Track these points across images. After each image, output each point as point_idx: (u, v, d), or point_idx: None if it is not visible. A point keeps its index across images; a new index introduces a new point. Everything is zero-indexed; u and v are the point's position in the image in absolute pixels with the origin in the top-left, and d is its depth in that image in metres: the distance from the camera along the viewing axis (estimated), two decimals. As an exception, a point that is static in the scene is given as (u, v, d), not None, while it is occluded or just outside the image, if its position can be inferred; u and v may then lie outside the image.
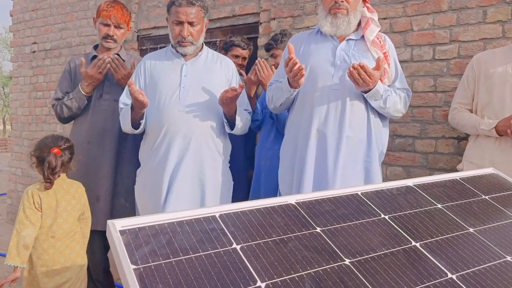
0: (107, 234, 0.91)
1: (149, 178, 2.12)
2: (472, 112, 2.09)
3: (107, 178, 2.39)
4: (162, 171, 2.06)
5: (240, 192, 2.62)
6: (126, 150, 2.45)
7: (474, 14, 2.39)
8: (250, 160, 3.03)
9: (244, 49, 2.85)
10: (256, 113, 2.45)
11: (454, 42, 2.45)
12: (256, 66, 2.30)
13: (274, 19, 3.10)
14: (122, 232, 0.89)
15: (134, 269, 0.81)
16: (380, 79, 1.83)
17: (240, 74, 2.44)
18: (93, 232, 2.42)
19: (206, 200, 2.08)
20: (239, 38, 2.85)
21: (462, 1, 2.42)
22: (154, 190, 2.08)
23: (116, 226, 0.90)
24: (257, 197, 2.44)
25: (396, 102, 1.88)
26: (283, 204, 1.08)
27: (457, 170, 2.22)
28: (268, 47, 2.61)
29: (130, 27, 2.57)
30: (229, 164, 2.23)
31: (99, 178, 2.40)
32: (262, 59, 2.34)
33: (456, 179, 1.41)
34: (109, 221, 0.90)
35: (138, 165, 2.25)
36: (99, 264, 2.48)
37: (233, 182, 2.24)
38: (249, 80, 2.33)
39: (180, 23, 2.09)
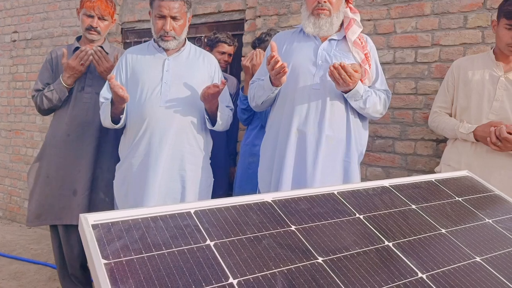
0: (79, 228, 0.90)
1: (128, 173, 2.10)
2: (451, 116, 2.13)
3: (86, 171, 2.36)
4: (142, 166, 2.05)
5: (220, 189, 2.61)
6: (107, 144, 2.42)
7: (456, 19, 2.43)
8: (232, 157, 3.03)
9: (230, 45, 2.85)
10: (244, 103, 2.45)
11: (436, 46, 2.49)
12: (253, 52, 2.40)
13: (259, 16, 3.10)
14: (95, 227, 0.88)
15: (105, 264, 0.80)
16: (360, 80, 1.84)
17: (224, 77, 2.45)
18: (70, 227, 2.39)
19: (186, 195, 2.07)
20: (224, 35, 2.84)
21: (444, 6, 2.46)
22: (134, 185, 2.07)
23: (89, 220, 0.88)
24: (242, 194, 2.43)
25: (376, 103, 1.90)
26: (259, 202, 1.09)
27: (435, 172, 2.25)
28: (253, 46, 2.62)
29: (115, 20, 2.53)
30: (210, 161, 2.22)
31: (77, 172, 2.36)
32: (260, 50, 2.43)
33: (431, 180, 1.44)
34: (81, 215, 0.89)
35: (119, 159, 2.22)
36: (76, 259, 2.46)
37: (213, 179, 2.24)
38: (243, 66, 2.42)
39: (163, 17, 2.08)
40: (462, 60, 2.15)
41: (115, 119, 2.08)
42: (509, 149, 1.84)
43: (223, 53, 2.83)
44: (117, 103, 1.99)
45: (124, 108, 2.06)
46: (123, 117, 2.08)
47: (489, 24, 2.34)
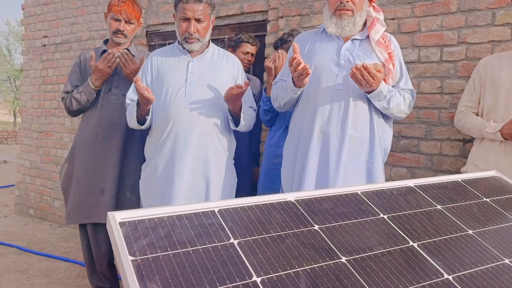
0: (107, 226, 0.92)
1: (154, 173, 2.14)
2: (478, 116, 2.08)
3: (113, 171, 2.42)
4: (167, 166, 2.08)
5: (244, 190, 2.63)
6: (134, 144, 2.48)
7: (483, 16, 2.37)
8: (255, 158, 3.04)
9: (253, 45, 2.88)
10: (266, 104, 2.46)
11: (462, 44, 2.44)
12: (276, 53, 2.41)
13: (282, 17, 3.10)
14: (122, 224, 0.91)
15: (132, 261, 0.83)
16: (384, 80, 1.82)
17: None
18: (98, 225, 2.45)
19: (210, 196, 2.10)
20: (246, 35, 2.87)
21: (471, 2, 2.41)
22: (159, 185, 2.11)
23: (116, 218, 0.91)
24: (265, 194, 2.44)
25: (400, 103, 1.88)
26: (282, 201, 1.09)
27: (461, 173, 2.21)
28: (275, 46, 2.64)
29: (141, 23, 2.59)
30: (233, 161, 2.24)
31: (105, 172, 2.42)
32: (283, 51, 2.44)
33: (458, 180, 1.41)
34: (109, 213, 0.92)
35: (145, 159, 2.27)
36: (104, 257, 2.52)
37: (237, 179, 2.26)
38: (266, 67, 2.44)
39: (187, 19, 2.11)
40: (489, 58, 2.10)
41: (141, 120, 2.12)
42: None
43: (247, 53, 2.85)
44: (143, 104, 2.04)
45: (149, 109, 2.10)
46: (148, 118, 2.12)
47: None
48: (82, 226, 2.53)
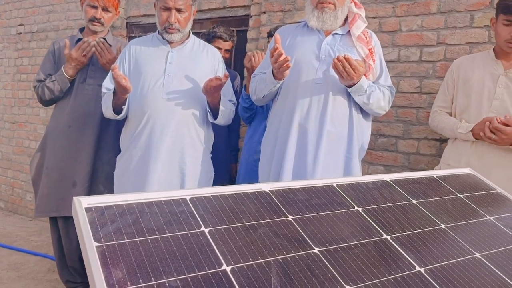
0: (72, 212, 0.89)
1: (128, 165, 2.09)
2: (451, 116, 2.11)
3: (86, 163, 2.35)
4: (143, 158, 2.04)
5: (222, 185, 2.59)
6: (108, 136, 2.42)
7: (462, 17, 2.40)
8: (233, 153, 3.01)
9: (226, 41, 2.78)
10: (246, 101, 2.44)
11: (441, 44, 2.46)
12: (252, 53, 2.39)
13: (264, 12, 3.08)
14: (88, 210, 0.87)
15: (97, 247, 0.79)
16: (364, 75, 1.82)
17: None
18: (69, 219, 2.38)
19: (185, 188, 2.06)
20: (222, 29, 2.78)
21: (451, 4, 2.43)
22: (134, 177, 2.06)
23: (82, 203, 0.87)
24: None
25: (379, 99, 1.88)
26: (256, 191, 1.07)
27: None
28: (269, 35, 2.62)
29: (119, 12, 2.53)
30: (211, 155, 2.21)
31: (78, 163, 2.36)
32: (258, 51, 2.42)
33: (433, 176, 1.42)
34: (75, 198, 0.88)
35: (119, 151, 2.22)
36: (75, 252, 2.45)
37: (214, 173, 2.23)
38: (245, 66, 2.41)
39: (168, 9, 2.07)
40: (462, 59, 2.13)
41: (117, 110, 2.07)
42: (505, 141, 1.81)
43: (219, 48, 2.77)
44: (120, 93, 1.99)
45: (126, 99, 2.05)
46: (125, 107, 2.07)
47: (495, 23, 2.31)
48: (53, 220, 2.46)
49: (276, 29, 2.53)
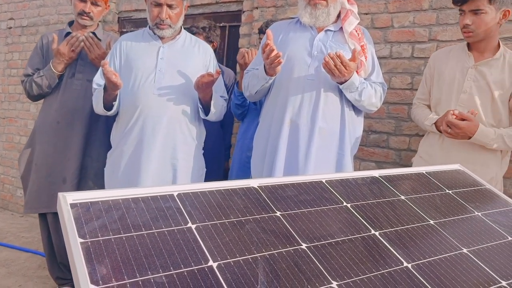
0: (57, 208, 0.87)
1: (119, 161, 2.08)
2: (430, 108, 2.12)
3: (75, 159, 2.33)
4: (134, 154, 2.03)
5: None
6: (97, 132, 2.40)
7: (453, 14, 2.40)
8: (227, 151, 3.00)
9: (201, 34, 2.68)
10: (238, 98, 2.43)
11: (433, 41, 2.47)
12: (245, 50, 2.38)
13: (257, 8, 3.07)
14: (73, 206, 0.86)
15: (81, 243, 0.78)
16: (356, 71, 1.82)
17: None
18: (58, 215, 2.36)
19: (177, 184, 2.05)
20: (201, 26, 2.69)
21: (443, 1, 2.44)
22: (125, 173, 2.05)
23: (67, 199, 0.86)
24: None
25: (371, 96, 1.88)
26: (245, 187, 1.07)
27: (411, 163, 2.25)
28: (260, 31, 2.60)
29: (108, 6, 2.50)
30: (202, 151, 2.20)
31: (67, 160, 2.34)
32: (252, 48, 2.41)
33: (422, 172, 1.42)
34: (59, 194, 0.87)
35: (109, 147, 2.20)
36: (65, 248, 2.42)
37: (206, 170, 2.22)
38: (238, 62, 2.40)
39: (159, 5, 2.05)
40: (439, 51, 2.13)
41: (108, 106, 2.05)
42: (460, 135, 1.82)
43: None
44: (110, 89, 1.97)
45: (117, 95, 2.04)
46: (115, 104, 2.05)
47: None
48: (43, 216, 2.44)
49: (266, 24, 2.52)
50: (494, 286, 0.96)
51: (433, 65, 2.08)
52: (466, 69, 1.93)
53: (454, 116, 1.81)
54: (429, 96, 2.11)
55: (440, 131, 1.92)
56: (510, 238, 1.18)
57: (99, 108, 2.06)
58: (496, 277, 1.00)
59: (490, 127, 1.86)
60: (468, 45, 1.98)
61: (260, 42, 2.40)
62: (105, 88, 2.00)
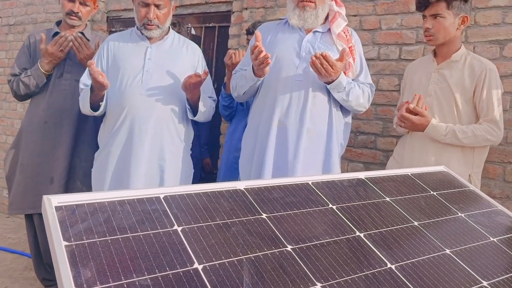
0: (42, 211, 0.87)
1: (107, 162, 2.06)
2: None
3: (63, 160, 2.32)
4: (122, 154, 2.02)
5: (194, 180, 2.59)
6: (86, 132, 2.38)
7: (440, 17, 2.43)
8: (205, 148, 3.01)
9: None
10: (225, 99, 2.43)
11: (420, 43, 2.49)
12: (233, 51, 2.38)
13: (246, 9, 3.07)
14: (58, 208, 0.86)
15: (66, 246, 0.78)
16: (344, 72, 1.84)
17: None
18: (46, 215, 2.35)
19: (164, 185, 2.05)
20: (177, 28, 2.70)
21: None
22: (112, 174, 2.04)
23: (52, 202, 0.86)
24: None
25: (358, 96, 1.90)
26: (231, 189, 1.07)
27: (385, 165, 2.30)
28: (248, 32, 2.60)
29: (97, 6, 2.49)
30: (190, 152, 2.20)
31: (55, 160, 2.32)
32: (240, 49, 2.40)
33: (407, 174, 1.44)
34: (44, 196, 0.86)
35: (97, 148, 2.19)
36: (52, 248, 2.41)
37: (193, 170, 2.22)
38: (225, 63, 2.40)
39: (147, 5, 2.04)
40: (412, 63, 2.22)
41: (95, 106, 2.04)
42: (412, 128, 1.91)
43: None
44: (97, 89, 1.96)
45: (104, 95, 2.03)
46: (102, 104, 2.04)
47: (472, 23, 2.35)
48: (29, 217, 2.42)
49: (254, 25, 2.53)
50: (475, 286, 0.98)
51: (405, 76, 2.18)
52: (429, 73, 2.01)
53: (408, 110, 1.89)
54: None
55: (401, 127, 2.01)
56: (491, 239, 1.20)
57: (85, 109, 2.05)
58: (478, 278, 1.02)
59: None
60: (434, 52, 2.06)
61: (248, 43, 2.41)
62: (92, 89, 1.99)
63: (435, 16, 1.92)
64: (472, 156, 1.95)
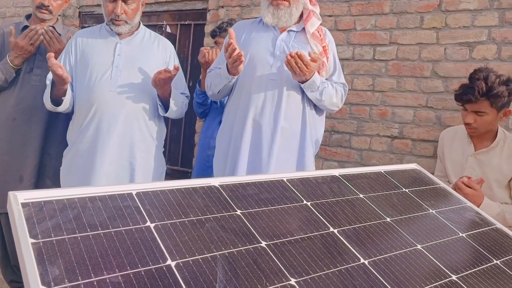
0: (7, 208, 0.84)
1: (76, 160, 2.02)
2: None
3: (33, 158, 2.25)
4: (89, 152, 1.97)
5: None
6: (56, 129, 2.32)
7: (413, 19, 2.49)
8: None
9: None
10: (200, 97, 2.41)
11: (393, 44, 2.55)
12: (206, 48, 2.36)
13: (222, 7, 3.06)
14: (25, 205, 0.83)
15: (33, 243, 0.75)
16: (318, 72, 1.85)
17: None
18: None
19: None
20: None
21: (403, 5, 2.52)
22: (81, 172, 1.99)
23: (18, 198, 0.83)
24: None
25: (332, 95, 1.92)
26: (206, 186, 1.06)
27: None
28: (213, 34, 2.59)
29: (69, 0, 2.42)
30: (163, 149, 2.17)
31: (24, 158, 2.25)
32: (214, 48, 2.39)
33: (381, 172, 1.46)
34: (10, 193, 0.83)
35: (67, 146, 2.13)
36: (20, 249, 2.33)
37: (166, 168, 2.19)
38: (200, 61, 2.38)
39: (114, 0, 2.01)
40: (446, 131, 2.19)
41: (58, 101, 1.99)
42: (463, 195, 1.76)
43: None
44: (58, 83, 1.91)
45: (66, 89, 1.97)
46: (64, 99, 1.99)
47: (443, 25, 2.41)
48: (-5, 216, 2.33)
49: (229, 24, 2.52)
50: (444, 280, 1.00)
51: (441, 145, 2.15)
52: (466, 156, 1.99)
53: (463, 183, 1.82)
54: (446, 172, 2.13)
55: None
56: (461, 234, 1.24)
57: (47, 104, 2.01)
58: (447, 271, 1.04)
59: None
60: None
61: (215, 43, 2.40)
62: (54, 83, 1.94)
63: (477, 112, 1.88)
64: None
